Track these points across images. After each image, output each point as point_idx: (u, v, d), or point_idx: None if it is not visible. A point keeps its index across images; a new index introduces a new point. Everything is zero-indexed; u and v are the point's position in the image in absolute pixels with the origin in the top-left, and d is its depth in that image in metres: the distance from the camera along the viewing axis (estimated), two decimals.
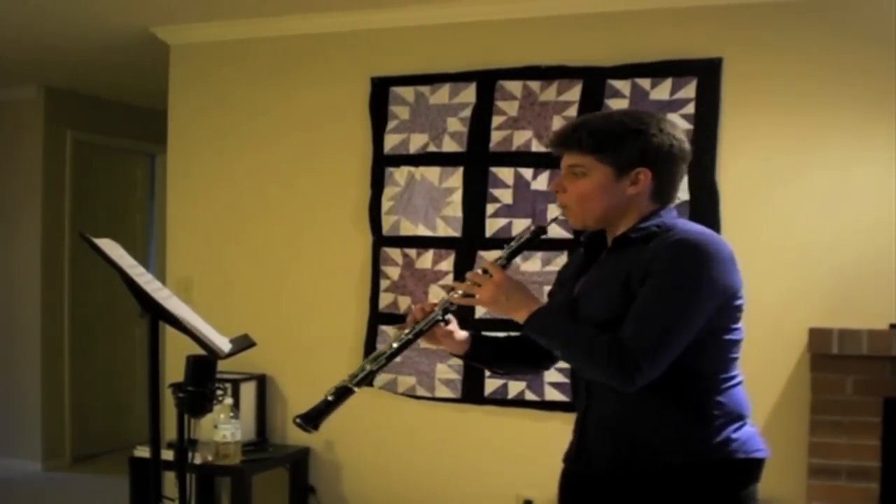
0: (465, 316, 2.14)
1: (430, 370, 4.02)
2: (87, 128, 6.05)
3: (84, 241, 2.26)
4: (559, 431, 3.82)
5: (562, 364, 3.38)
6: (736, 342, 1.90)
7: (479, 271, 1.97)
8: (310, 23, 4.25)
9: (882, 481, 3.40)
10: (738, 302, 1.88)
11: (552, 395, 3.84)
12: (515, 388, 3.90)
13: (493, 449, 4.00)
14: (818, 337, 3.42)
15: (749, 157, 3.64)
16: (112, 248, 2.31)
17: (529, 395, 3.88)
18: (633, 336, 1.78)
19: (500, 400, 3.93)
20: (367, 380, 2.01)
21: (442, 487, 4.08)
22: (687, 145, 1.95)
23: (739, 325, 1.90)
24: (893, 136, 3.48)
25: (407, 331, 2.06)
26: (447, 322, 2.09)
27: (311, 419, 1.97)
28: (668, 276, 1.80)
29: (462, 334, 2.14)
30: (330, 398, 1.99)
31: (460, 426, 4.04)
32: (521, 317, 1.93)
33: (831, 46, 3.55)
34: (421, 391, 4.05)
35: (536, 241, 2.05)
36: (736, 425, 1.86)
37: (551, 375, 3.81)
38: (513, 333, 2.21)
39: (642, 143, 1.89)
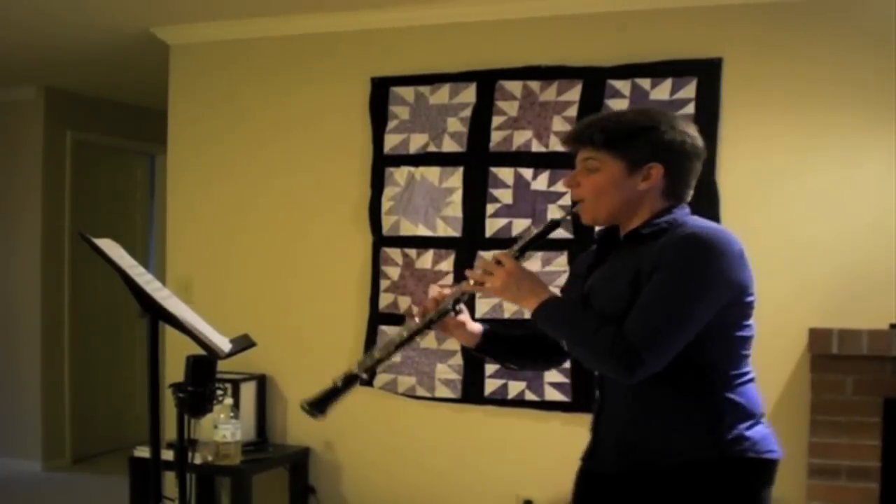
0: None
1: (430, 370, 4.02)
2: (87, 128, 6.05)
3: (84, 241, 2.26)
4: (559, 431, 3.86)
5: (564, 364, 3.35)
6: (747, 339, 1.90)
7: (493, 261, 1.97)
8: (310, 23, 4.25)
9: (882, 481, 3.40)
10: (749, 298, 1.88)
11: (552, 395, 3.84)
12: (515, 388, 3.90)
13: (493, 449, 4.00)
14: (818, 337, 3.42)
15: (749, 157, 3.64)
16: (112, 248, 2.31)
17: (529, 395, 3.87)
18: (635, 328, 1.79)
19: (500, 400, 3.93)
20: (375, 367, 2.02)
21: (442, 487, 4.08)
22: (700, 143, 1.97)
23: (750, 321, 1.90)
24: (894, 136, 3.48)
25: (418, 320, 2.06)
26: (458, 312, 2.09)
27: (319, 405, 1.97)
28: (673, 270, 1.81)
29: (475, 326, 2.14)
30: (338, 384, 2.00)
31: (460, 426, 4.04)
32: (530, 306, 1.94)
33: (831, 46, 3.55)
34: (421, 391, 4.05)
35: (548, 235, 2.06)
36: (747, 423, 1.86)
37: (551, 375, 3.81)
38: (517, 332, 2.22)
39: (654, 138, 1.91)
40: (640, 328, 1.78)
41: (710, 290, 1.81)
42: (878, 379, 3.40)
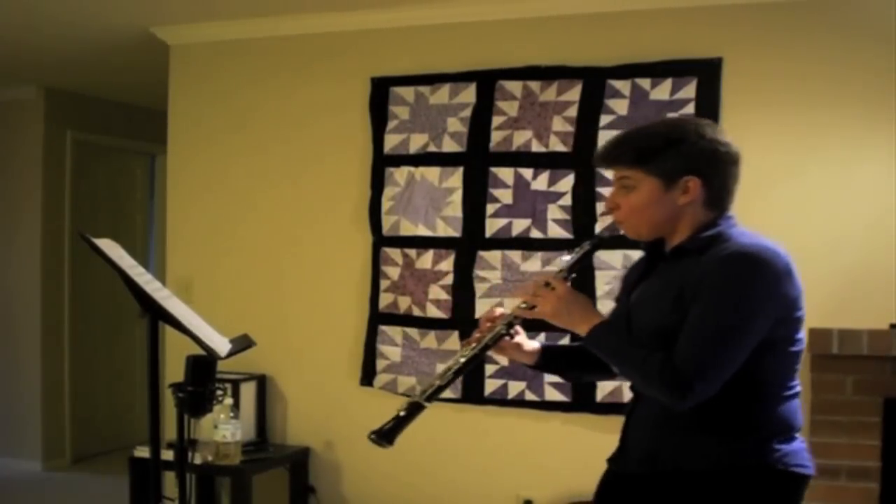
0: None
1: (430, 370, 4.01)
2: (87, 128, 6.05)
3: (84, 241, 2.27)
4: (559, 431, 3.86)
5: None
6: (798, 353, 1.88)
7: (543, 283, 1.97)
8: (310, 23, 4.25)
9: (882, 481, 3.40)
10: (799, 313, 1.85)
11: (552, 395, 3.83)
12: (515, 388, 3.90)
13: (493, 449, 4.00)
14: (818, 337, 3.42)
15: (749, 156, 3.58)
16: (112, 248, 2.31)
17: (529, 396, 3.87)
18: (684, 356, 1.77)
19: (500, 400, 3.93)
20: (436, 395, 2.03)
21: (442, 487, 4.08)
22: (734, 148, 1.93)
23: (801, 335, 1.87)
24: (893, 135, 3.48)
25: (473, 345, 2.07)
26: (512, 336, 2.10)
27: (386, 435, 1.98)
28: (719, 293, 1.78)
29: (531, 345, 2.15)
30: (402, 413, 2.00)
31: (460, 426, 4.04)
32: (581, 330, 1.94)
33: (831, 46, 3.55)
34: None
35: (593, 254, 2.08)
36: (783, 436, 1.84)
37: (551, 375, 3.81)
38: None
39: (684, 151, 1.88)
40: (690, 356, 1.76)
41: (756, 313, 1.78)
42: (878, 379, 3.40)
